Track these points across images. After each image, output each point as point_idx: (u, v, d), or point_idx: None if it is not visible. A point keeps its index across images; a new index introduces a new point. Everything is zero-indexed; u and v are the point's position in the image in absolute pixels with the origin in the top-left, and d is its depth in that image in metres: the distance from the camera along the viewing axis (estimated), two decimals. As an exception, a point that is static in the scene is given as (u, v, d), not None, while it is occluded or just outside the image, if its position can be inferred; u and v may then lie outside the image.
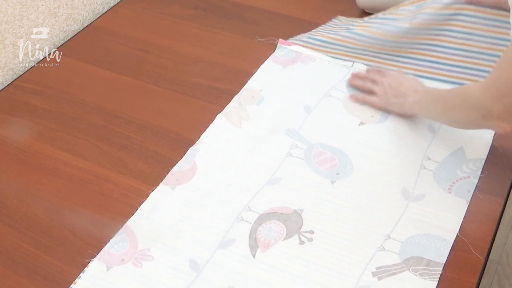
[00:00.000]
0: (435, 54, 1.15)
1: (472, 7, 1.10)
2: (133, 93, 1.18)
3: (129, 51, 1.29)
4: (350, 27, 1.22)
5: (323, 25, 1.30)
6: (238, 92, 1.15)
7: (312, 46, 1.23)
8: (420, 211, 0.92)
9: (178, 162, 1.02)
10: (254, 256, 0.87)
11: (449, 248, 0.87)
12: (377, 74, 1.13)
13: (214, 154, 1.03)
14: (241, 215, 0.93)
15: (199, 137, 1.06)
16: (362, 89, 1.13)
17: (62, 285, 0.85)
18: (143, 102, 1.16)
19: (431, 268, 0.85)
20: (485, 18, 1.10)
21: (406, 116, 1.07)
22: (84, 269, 0.87)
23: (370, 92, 1.11)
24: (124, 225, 0.92)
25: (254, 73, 1.19)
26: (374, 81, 1.12)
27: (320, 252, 0.87)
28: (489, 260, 0.90)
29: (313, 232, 0.90)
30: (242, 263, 0.87)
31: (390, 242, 0.88)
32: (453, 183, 0.96)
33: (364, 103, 1.11)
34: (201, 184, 0.98)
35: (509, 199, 0.97)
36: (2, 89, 1.21)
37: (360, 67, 1.19)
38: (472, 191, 0.95)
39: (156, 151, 1.05)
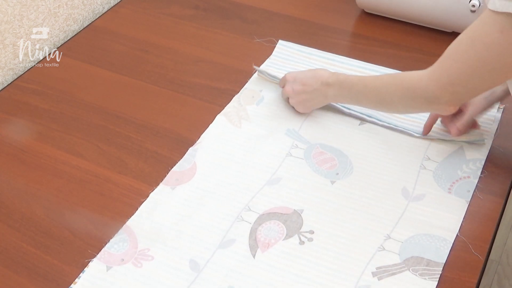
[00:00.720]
0: None
1: None
2: (133, 93, 1.18)
3: (129, 51, 1.29)
4: None
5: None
6: (238, 92, 1.15)
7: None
8: (420, 211, 0.92)
9: (178, 162, 1.02)
10: (254, 256, 0.87)
11: (449, 248, 0.87)
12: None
13: (214, 154, 1.03)
14: (241, 215, 0.93)
15: (199, 137, 1.06)
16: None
17: (62, 285, 0.85)
18: (143, 102, 1.16)
19: (431, 268, 0.85)
20: None
21: None
22: (84, 269, 0.87)
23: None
24: (124, 225, 0.92)
25: (254, 73, 1.19)
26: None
27: (320, 252, 0.87)
28: (489, 260, 0.91)
29: (313, 232, 0.90)
30: (242, 263, 0.87)
31: (390, 242, 0.88)
32: (453, 183, 0.96)
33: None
34: (201, 184, 0.98)
35: (509, 199, 0.98)
36: (2, 89, 1.21)
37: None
38: (472, 191, 0.95)
39: (156, 151, 1.05)
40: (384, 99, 0.97)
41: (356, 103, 1.03)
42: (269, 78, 1.15)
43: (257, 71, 1.17)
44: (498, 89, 1.04)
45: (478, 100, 1.03)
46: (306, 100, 1.06)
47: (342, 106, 1.09)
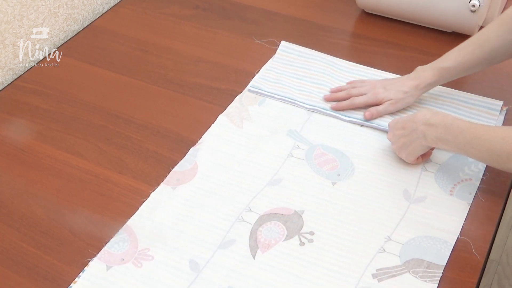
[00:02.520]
0: None
1: None
2: (133, 93, 1.18)
3: (129, 51, 1.29)
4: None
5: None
6: (238, 92, 1.15)
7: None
8: (421, 213, 0.92)
9: (179, 162, 1.02)
10: (254, 256, 0.87)
11: (450, 251, 0.87)
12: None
13: (215, 154, 1.03)
14: (242, 215, 0.93)
15: (199, 137, 1.06)
16: (348, 96, 1.09)
17: (62, 285, 0.85)
18: (143, 102, 1.15)
19: (431, 270, 0.84)
20: None
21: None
22: (84, 269, 0.87)
23: None
24: (125, 225, 0.92)
25: (256, 73, 1.19)
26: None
27: (320, 253, 0.87)
28: (489, 260, 0.90)
29: (313, 233, 0.90)
30: (242, 264, 0.87)
31: (390, 244, 0.88)
32: (455, 185, 0.96)
33: (354, 106, 1.08)
34: (202, 184, 0.98)
35: (509, 199, 0.98)
36: (2, 89, 1.21)
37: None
38: (474, 194, 0.95)
39: (156, 151, 1.05)
40: (498, 156, 0.85)
41: (461, 152, 0.91)
42: (266, 93, 1.15)
43: (248, 90, 1.16)
44: (421, 84, 1.04)
45: (395, 97, 1.05)
46: (405, 144, 0.96)
47: (341, 114, 1.09)
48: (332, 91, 1.13)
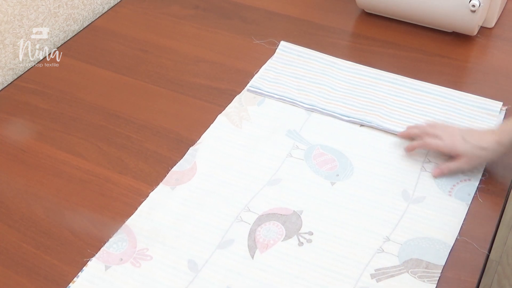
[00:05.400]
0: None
1: None
2: (133, 93, 1.18)
3: (129, 51, 1.29)
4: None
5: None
6: (238, 92, 1.16)
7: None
8: (420, 213, 0.92)
9: (178, 162, 1.02)
10: (252, 256, 0.87)
11: (449, 251, 0.87)
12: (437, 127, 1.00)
13: (214, 154, 1.03)
14: (241, 215, 0.93)
15: (199, 137, 1.06)
16: (421, 134, 1.00)
17: (62, 285, 0.86)
18: (143, 102, 1.16)
19: (430, 270, 0.85)
20: None
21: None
22: (83, 268, 0.87)
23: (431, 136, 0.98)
24: (124, 225, 0.92)
25: (256, 73, 1.19)
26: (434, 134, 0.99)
27: (319, 253, 0.87)
28: (489, 260, 0.90)
29: (312, 234, 0.90)
30: (240, 264, 0.87)
31: (389, 244, 0.88)
32: (454, 186, 0.96)
33: (426, 148, 0.99)
34: (201, 184, 0.98)
35: (509, 199, 0.98)
36: (2, 89, 1.21)
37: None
38: (473, 194, 0.95)
39: (156, 151, 1.05)
40: None
41: None
42: (265, 93, 1.15)
43: (247, 90, 1.16)
44: (504, 139, 0.94)
45: (471, 153, 0.95)
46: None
47: (341, 114, 1.09)
48: (408, 128, 1.04)
